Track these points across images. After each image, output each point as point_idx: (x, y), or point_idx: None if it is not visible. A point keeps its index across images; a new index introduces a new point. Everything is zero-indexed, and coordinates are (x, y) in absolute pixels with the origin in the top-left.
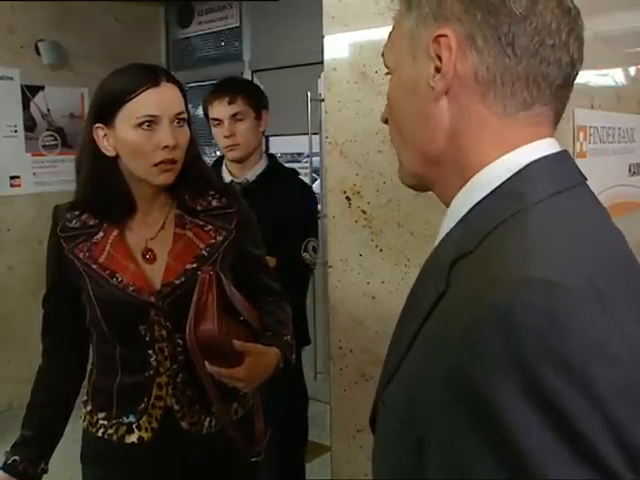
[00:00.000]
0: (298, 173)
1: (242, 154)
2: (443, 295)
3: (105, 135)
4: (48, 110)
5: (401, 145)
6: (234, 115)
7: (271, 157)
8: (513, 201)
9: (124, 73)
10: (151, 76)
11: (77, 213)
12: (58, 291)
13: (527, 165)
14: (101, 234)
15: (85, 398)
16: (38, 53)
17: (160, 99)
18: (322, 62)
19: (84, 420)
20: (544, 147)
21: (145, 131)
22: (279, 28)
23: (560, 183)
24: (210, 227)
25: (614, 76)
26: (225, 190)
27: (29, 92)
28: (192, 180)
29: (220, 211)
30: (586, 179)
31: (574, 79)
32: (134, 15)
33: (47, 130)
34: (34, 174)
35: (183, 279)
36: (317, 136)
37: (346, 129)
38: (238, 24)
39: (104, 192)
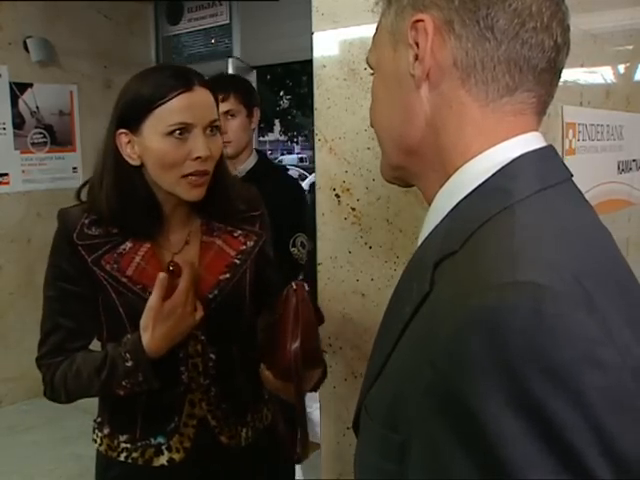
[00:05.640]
0: (287, 169)
1: (233, 151)
2: (427, 296)
3: (129, 142)
4: (37, 107)
5: (382, 138)
6: (226, 112)
7: (260, 153)
8: (498, 198)
9: (153, 75)
10: (184, 79)
11: (95, 218)
12: (80, 304)
13: (512, 161)
14: (129, 244)
15: (100, 419)
16: (27, 50)
17: (194, 105)
18: (311, 59)
19: (101, 444)
20: (529, 142)
21: (176, 140)
22: (269, 25)
23: (546, 179)
24: (239, 232)
25: (603, 73)
26: (249, 193)
27: (17, 89)
28: (220, 195)
29: (246, 214)
30: (572, 175)
31: (561, 67)
32: (123, 12)
33: (36, 127)
34: (23, 172)
35: (216, 292)
36: None
37: (335, 126)
38: (228, 21)
39: (132, 204)
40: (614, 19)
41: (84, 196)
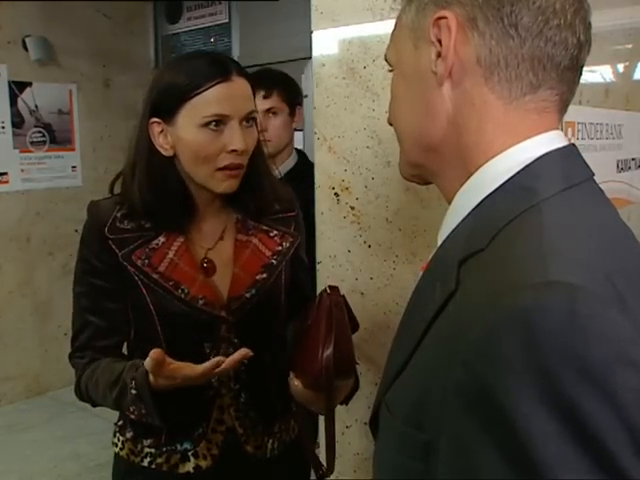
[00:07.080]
0: None
1: (273, 151)
2: (452, 295)
3: (162, 131)
4: (36, 106)
5: (402, 136)
6: (268, 110)
7: (301, 153)
8: (523, 197)
9: (189, 62)
10: (222, 68)
11: (126, 212)
12: (111, 301)
13: (536, 159)
14: (162, 239)
15: (121, 422)
16: (26, 49)
17: (231, 96)
18: (310, 58)
19: (122, 448)
20: (552, 140)
21: (212, 132)
22: (268, 24)
23: (570, 178)
24: (275, 232)
25: (602, 72)
26: (285, 192)
27: (17, 88)
28: (255, 190)
29: (281, 215)
30: (593, 174)
31: (582, 64)
32: (122, 11)
33: (35, 126)
34: (22, 171)
35: (254, 291)
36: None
37: (334, 125)
38: (227, 20)
39: (164, 195)
40: (613, 18)
41: (117, 189)
